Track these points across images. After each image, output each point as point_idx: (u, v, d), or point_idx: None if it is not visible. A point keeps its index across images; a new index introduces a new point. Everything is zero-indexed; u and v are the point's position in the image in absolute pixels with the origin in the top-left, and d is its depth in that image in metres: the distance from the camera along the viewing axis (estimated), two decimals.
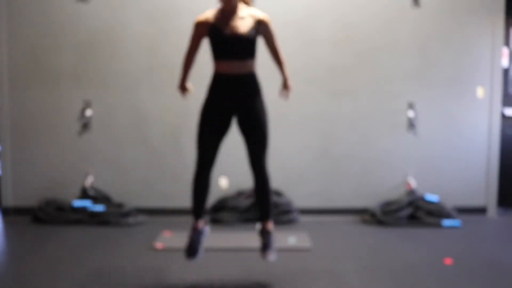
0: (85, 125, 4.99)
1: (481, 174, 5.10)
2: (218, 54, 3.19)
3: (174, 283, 3.36)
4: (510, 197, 5.31)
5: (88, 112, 4.97)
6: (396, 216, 4.79)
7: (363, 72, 5.02)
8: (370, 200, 5.01)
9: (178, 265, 3.49)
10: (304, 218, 4.95)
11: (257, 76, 3.27)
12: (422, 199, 4.89)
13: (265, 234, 3.31)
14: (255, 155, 3.22)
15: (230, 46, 3.15)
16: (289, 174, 5.00)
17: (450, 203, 4.96)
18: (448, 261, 3.76)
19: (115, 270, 3.56)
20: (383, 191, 5.05)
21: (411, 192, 4.95)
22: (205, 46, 3.31)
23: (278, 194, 4.90)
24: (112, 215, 4.74)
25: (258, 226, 3.39)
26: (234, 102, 3.20)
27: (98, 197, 4.87)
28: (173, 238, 4.26)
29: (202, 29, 3.21)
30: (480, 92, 5.06)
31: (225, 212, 4.85)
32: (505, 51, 5.19)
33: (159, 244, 4.12)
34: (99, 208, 4.76)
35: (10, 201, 5.00)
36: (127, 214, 4.80)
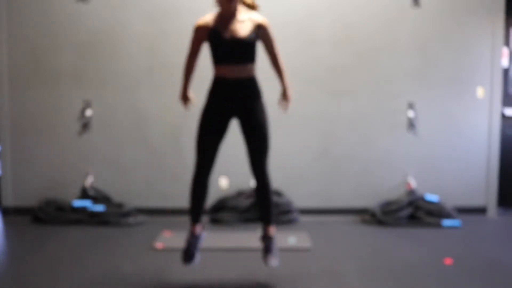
0: (85, 125, 4.99)
1: (481, 174, 5.10)
2: (218, 58, 3.18)
3: (174, 283, 3.36)
4: (510, 197, 5.31)
5: (88, 112, 4.97)
6: (396, 216, 4.79)
7: (363, 72, 5.02)
8: (370, 200, 5.02)
9: (178, 265, 3.48)
10: (304, 218, 4.95)
11: (257, 80, 3.25)
12: (422, 199, 4.89)
13: (267, 240, 3.30)
14: (256, 158, 3.21)
15: (230, 50, 3.13)
16: (289, 174, 5.00)
17: (450, 203, 4.96)
18: (448, 261, 3.76)
19: (115, 270, 3.56)
20: (383, 191, 5.05)
21: (411, 192, 4.95)
22: (205, 51, 3.30)
23: (278, 194, 4.90)
24: (112, 215, 4.74)
25: (260, 232, 3.38)
26: (234, 106, 3.19)
27: (98, 197, 4.88)
28: (173, 238, 4.26)
29: (202, 33, 3.19)
30: (480, 92, 5.06)
31: (225, 212, 4.85)
32: (505, 51, 5.19)
33: (159, 244, 4.12)
34: (99, 208, 4.76)
35: (10, 201, 5.00)
36: (127, 214, 4.80)
